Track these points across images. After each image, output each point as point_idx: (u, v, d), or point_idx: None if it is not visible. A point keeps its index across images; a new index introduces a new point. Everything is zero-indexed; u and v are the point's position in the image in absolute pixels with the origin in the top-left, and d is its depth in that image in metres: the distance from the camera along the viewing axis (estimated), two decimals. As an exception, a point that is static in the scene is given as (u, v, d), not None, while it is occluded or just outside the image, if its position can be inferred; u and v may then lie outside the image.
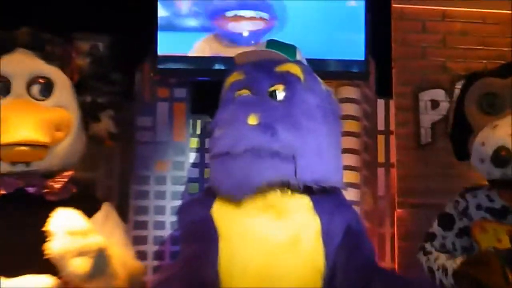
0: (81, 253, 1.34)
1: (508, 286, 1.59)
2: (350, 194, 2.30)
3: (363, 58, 2.34)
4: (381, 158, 2.48)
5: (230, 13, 2.28)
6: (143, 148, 2.36)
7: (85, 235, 1.36)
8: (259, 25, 2.27)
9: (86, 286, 1.43)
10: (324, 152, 1.70)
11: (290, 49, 1.87)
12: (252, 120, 1.62)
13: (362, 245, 1.69)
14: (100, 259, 1.40)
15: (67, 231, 1.34)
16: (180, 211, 1.78)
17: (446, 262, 1.78)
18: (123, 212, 2.26)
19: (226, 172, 1.61)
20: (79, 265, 1.34)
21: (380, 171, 2.47)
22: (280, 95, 1.72)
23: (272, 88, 1.71)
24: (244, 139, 1.59)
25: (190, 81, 2.38)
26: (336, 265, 1.62)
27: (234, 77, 1.79)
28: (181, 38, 2.32)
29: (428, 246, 1.91)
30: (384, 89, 2.48)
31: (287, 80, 1.73)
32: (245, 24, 2.28)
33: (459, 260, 1.75)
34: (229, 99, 1.76)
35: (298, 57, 1.85)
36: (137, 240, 2.33)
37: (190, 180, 2.36)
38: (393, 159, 2.45)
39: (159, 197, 2.32)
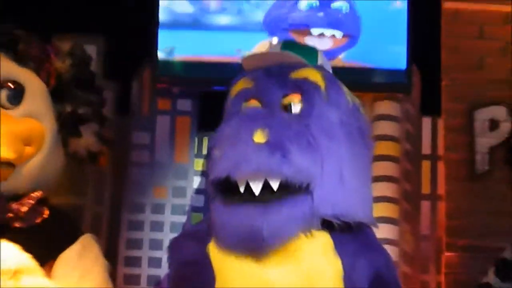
0: None
1: None
2: (386, 232, 2.20)
3: (404, 67, 2.23)
4: (426, 189, 2.36)
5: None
6: (138, 170, 2.31)
7: (14, 276, 1.28)
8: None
9: None
10: (348, 180, 1.55)
11: (310, 52, 1.75)
12: (259, 137, 1.49)
13: None
14: None
15: None
16: (171, 248, 1.64)
17: (503, 322, 1.61)
18: (113, 246, 2.24)
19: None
20: None
21: (425, 205, 2.35)
22: (296, 107, 1.59)
23: (286, 101, 1.60)
24: (247, 161, 1.46)
25: (196, 91, 2.34)
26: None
27: (241, 85, 1.66)
28: (206, 37, 2.29)
29: (481, 300, 1.76)
30: (431, 106, 2.38)
31: (304, 89, 1.60)
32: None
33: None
34: (234, 112, 1.64)
35: (320, 61, 1.74)
36: (128, 280, 2.26)
37: (194, 209, 2.27)
38: (441, 190, 2.33)
39: (156, 228, 2.26)
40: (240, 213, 1.46)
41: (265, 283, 1.48)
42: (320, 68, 1.69)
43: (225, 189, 1.51)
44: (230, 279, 1.50)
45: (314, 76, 1.64)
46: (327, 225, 1.53)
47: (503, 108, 2.30)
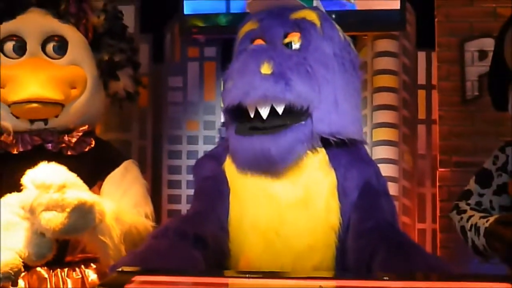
0: (52, 208, 1.26)
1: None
2: (388, 153, 2.19)
3: (398, 7, 2.10)
4: (421, 115, 2.28)
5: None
6: (174, 108, 2.30)
7: (60, 190, 1.28)
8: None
9: (68, 238, 1.39)
10: (341, 103, 1.52)
11: None
12: (266, 68, 1.46)
13: (380, 205, 1.49)
14: (80, 213, 1.31)
15: (38, 184, 1.27)
16: (195, 168, 1.67)
17: (479, 221, 1.56)
18: (157, 172, 2.28)
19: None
20: (50, 220, 1.26)
21: (421, 128, 2.28)
22: (296, 44, 1.56)
23: (287, 38, 1.56)
24: (256, 89, 1.43)
25: (220, 40, 2.25)
26: (349, 223, 1.46)
27: (248, 26, 1.63)
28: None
29: (462, 204, 1.70)
30: (425, 41, 2.25)
31: (303, 27, 1.56)
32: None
33: (492, 219, 1.53)
34: (242, 50, 1.61)
35: (315, 3, 1.69)
36: (171, 199, 2.30)
37: (222, 139, 2.26)
38: (435, 115, 2.23)
39: (191, 156, 2.24)
40: (253, 141, 1.44)
41: (270, 194, 1.49)
42: (316, 9, 1.66)
43: (237, 116, 1.50)
44: (242, 191, 1.52)
45: (311, 16, 1.59)
46: (323, 142, 1.52)
47: (491, 40, 2.11)
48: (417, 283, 1.00)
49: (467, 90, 2.18)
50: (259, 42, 1.59)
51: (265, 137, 1.43)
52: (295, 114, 1.45)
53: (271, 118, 1.44)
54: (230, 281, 1.08)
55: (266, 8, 1.63)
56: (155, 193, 2.22)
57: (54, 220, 1.25)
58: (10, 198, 1.37)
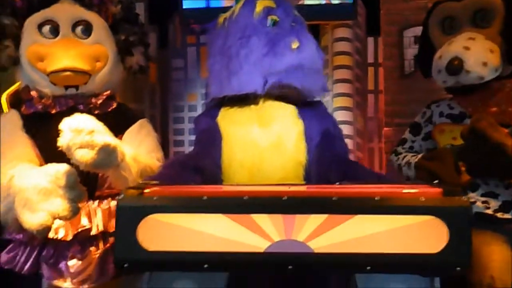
0: (84, 146, 1.29)
1: (459, 176, 1.49)
2: (345, 116, 2.24)
3: (351, 1, 2.17)
4: (371, 86, 2.34)
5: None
6: (177, 84, 2.32)
7: (90, 133, 1.29)
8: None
9: (96, 171, 1.42)
10: None
11: None
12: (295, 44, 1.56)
13: (336, 144, 1.59)
14: (106, 152, 1.33)
15: (73, 129, 1.30)
16: (195, 122, 1.72)
17: (411, 158, 1.68)
18: (165, 133, 2.30)
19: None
20: (82, 155, 1.29)
21: (370, 97, 2.33)
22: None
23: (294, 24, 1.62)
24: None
25: None
26: (314, 159, 1.55)
27: (265, 2, 1.65)
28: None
29: (399, 149, 1.80)
30: (373, 29, 2.30)
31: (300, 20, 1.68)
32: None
33: (419, 156, 1.65)
34: (261, 19, 1.61)
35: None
36: (176, 155, 2.32)
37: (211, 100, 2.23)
38: (381, 87, 2.28)
39: (191, 121, 2.09)
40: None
41: (253, 139, 1.56)
42: None
43: None
44: (231, 138, 1.59)
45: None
46: (293, 100, 1.60)
47: (423, 28, 2.24)
48: (362, 185, 1.09)
49: (405, 67, 2.23)
50: (273, 18, 1.61)
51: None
52: None
53: None
54: (223, 186, 1.16)
55: None
56: (164, 151, 2.10)
57: (85, 156, 1.29)
58: (49, 168, 1.37)
